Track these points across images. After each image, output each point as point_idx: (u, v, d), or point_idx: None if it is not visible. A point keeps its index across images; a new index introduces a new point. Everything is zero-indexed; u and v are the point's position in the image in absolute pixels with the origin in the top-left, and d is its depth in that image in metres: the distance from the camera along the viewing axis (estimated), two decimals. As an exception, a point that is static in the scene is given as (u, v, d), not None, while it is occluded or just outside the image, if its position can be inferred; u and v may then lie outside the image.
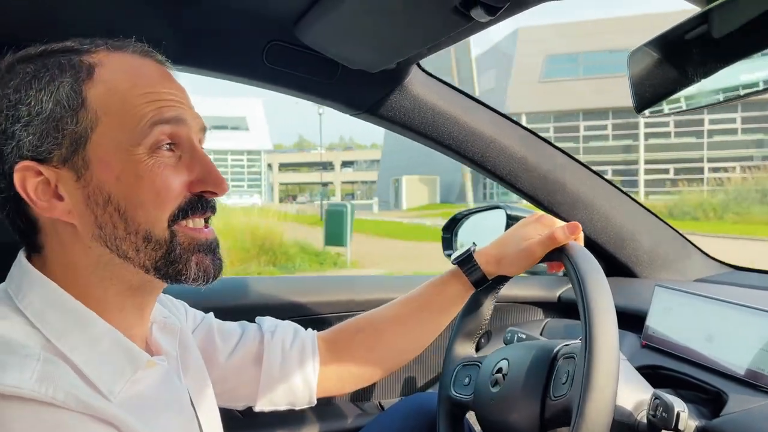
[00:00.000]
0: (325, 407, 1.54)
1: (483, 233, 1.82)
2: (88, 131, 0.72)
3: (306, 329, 1.15)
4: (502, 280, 1.14)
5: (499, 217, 1.75)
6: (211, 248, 0.79)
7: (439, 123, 1.41)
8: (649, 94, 0.84)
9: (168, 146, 0.75)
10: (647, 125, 32.54)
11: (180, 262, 0.76)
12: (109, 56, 0.76)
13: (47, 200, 0.72)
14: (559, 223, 1.07)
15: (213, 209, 0.80)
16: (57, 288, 0.73)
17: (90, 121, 0.72)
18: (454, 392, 1.16)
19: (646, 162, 34.40)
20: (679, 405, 0.91)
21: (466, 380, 1.15)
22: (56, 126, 0.72)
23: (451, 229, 1.84)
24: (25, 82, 0.72)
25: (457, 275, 1.13)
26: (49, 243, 0.75)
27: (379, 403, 1.58)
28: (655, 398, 0.94)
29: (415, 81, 1.36)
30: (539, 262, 1.07)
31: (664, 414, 0.91)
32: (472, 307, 1.15)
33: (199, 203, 0.77)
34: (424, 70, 1.38)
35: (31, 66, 0.74)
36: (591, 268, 0.94)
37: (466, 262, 1.11)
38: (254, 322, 1.14)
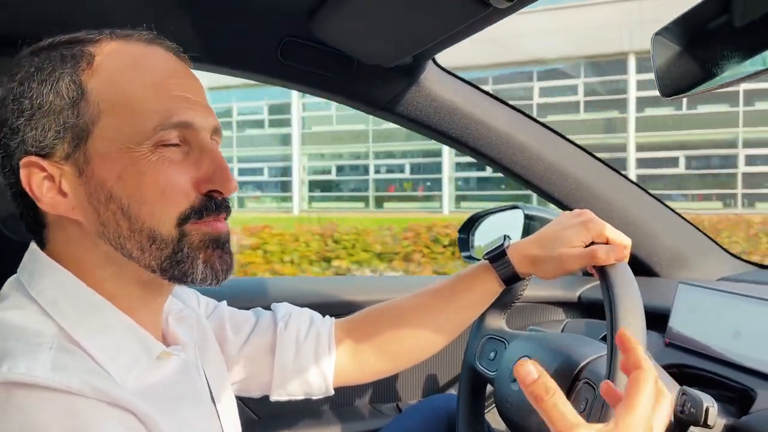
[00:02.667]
0: (342, 408, 1.53)
1: (500, 234, 1.80)
2: (89, 125, 0.70)
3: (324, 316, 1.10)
4: None
5: (517, 217, 1.73)
6: (220, 242, 0.75)
7: (455, 120, 1.40)
8: (673, 80, 0.81)
9: (176, 142, 0.72)
10: (641, 85, 18.02)
11: (186, 262, 0.72)
12: (111, 44, 0.73)
13: (52, 196, 0.71)
14: (608, 230, 0.96)
15: (227, 210, 0.76)
16: (69, 275, 0.72)
17: (91, 114, 0.70)
18: (478, 364, 1.17)
19: (640, 147, 18.47)
20: (707, 400, 0.89)
21: (492, 354, 1.15)
22: (57, 119, 0.70)
23: (467, 229, 1.82)
24: (29, 75, 0.71)
25: (488, 270, 1.05)
26: (57, 238, 0.74)
27: (397, 404, 1.57)
28: (683, 394, 0.92)
29: (430, 77, 1.35)
30: None
31: (692, 409, 0.89)
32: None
33: (212, 203, 0.73)
34: (439, 66, 1.36)
35: (37, 58, 0.72)
36: (629, 300, 0.86)
37: (499, 257, 1.03)
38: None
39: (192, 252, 0.73)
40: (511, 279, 1.04)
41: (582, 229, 0.97)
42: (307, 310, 1.09)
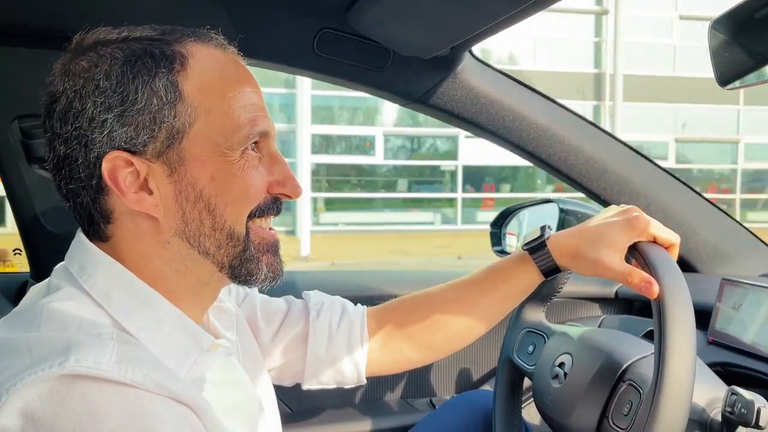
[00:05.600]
0: (375, 403, 1.52)
1: (534, 229, 1.78)
2: (186, 127, 0.71)
3: (356, 304, 1.09)
4: None
5: (551, 211, 1.70)
6: (277, 249, 0.81)
7: (492, 112, 1.38)
8: (727, 68, 0.80)
9: (252, 146, 0.76)
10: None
11: (252, 262, 0.76)
12: (197, 48, 0.75)
13: (135, 192, 0.71)
14: (654, 228, 0.93)
15: (281, 211, 0.81)
16: (122, 268, 0.72)
17: (188, 116, 0.71)
18: (517, 357, 1.14)
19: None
20: (759, 401, 0.86)
21: (531, 348, 1.13)
22: (153, 118, 0.70)
23: (500, 224, 1.80)
24: (116, 69, 0.70)
25: (527, 262, 1.01)
26: (122, 234, 0.74)
27: (431, 400, 1.55)
28: (732, 394, 0.89)
29: (467, 68, 1.33)
30: None
31: (743, 410, 0.86)
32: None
33: (275, 205, 0.78)
34: (476, 57, 1.34)
35: (119, 52, 0.71)
36: (679, 300, 0.84)
37: (539, 248, 0.99)
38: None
39: (257, 253, 0.77)
40: (551, 271, 1.01)
41: (626, 227, 0.93)
42: (338, 298, 1.09)
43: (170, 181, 0.72)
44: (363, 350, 1.04)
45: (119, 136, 0.70)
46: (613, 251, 0.93)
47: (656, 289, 0.88)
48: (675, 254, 0.92)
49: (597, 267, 0.94)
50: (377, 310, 1.09)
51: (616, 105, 16.68)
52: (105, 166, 0.70)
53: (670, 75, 16.56)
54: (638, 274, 0.90)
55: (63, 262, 0.76)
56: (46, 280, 0.77)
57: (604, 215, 0.99)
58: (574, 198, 1.66)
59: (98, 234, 0.74)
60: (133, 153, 0.70)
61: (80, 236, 0.76)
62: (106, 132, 0.70)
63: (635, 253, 0.93)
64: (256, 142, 0.76)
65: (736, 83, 0.78)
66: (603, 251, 0.93)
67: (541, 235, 1.00)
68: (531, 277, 1.03)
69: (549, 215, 1.72)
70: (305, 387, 1.05)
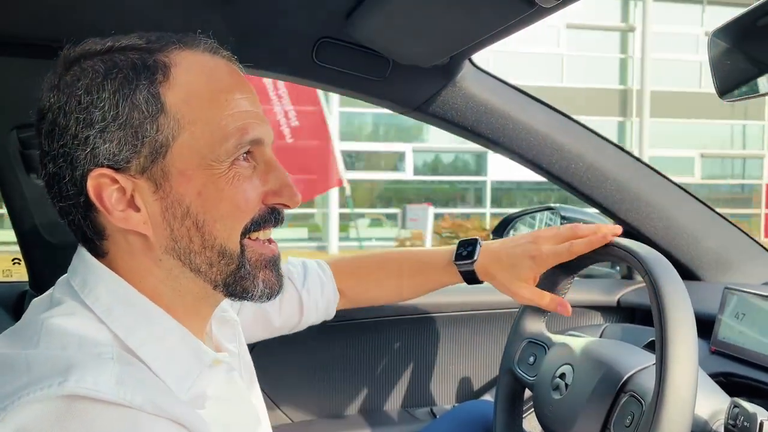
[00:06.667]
0: (376, 412, 1.52)
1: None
2: (169, 140, 0.68)
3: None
4: (585, 260, 1.06)
5: (552, 219, 1.70)
6: (276, 264, 0.78)
7: (491, 120, 1.37)
8: (727, 77, 0.79)
9: (244, 156, 0.73)
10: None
11: (248, 279, 0.74)
12: (182, 55, 0.71)
13: (122, 209, 0.69)
14: (556, 257, 1.04)
15: (282, 221, 0.78)
16: (124, 283, 0.71)
17: (171, 129, 0.69)
18: (517, 369, 1.14)
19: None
20: (762, 413, 0.85)
21: (531, 359, 1.13)
22: (135, 133, 0.68)
23: (500, 231, 1.79)
24: (97, 83, 0.68)
25: (453, 265, 1.13)
26: (117, 250, 0.72)
27: (431, 409, 1.54)
28: (735, 406, 0.88)
29: (467, 76, 1.32)
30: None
31: (745, 423, 0.85)
32: (548, 281, 1.10)
33: (272, 215, 0.75)
34: (476, 66, 1.34)
35: (101, 64, 0.69)
36: (680, 310, 0.84)
37: (468, 257, 1.11)
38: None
39: (253, 270, 0.74)
40: (472, 281, 1.13)
41: (533, 263, 1.06)
42: (305, 262, 1.19)
43: (156, 198, 0.69)
44: (335, 298, 1.19)
45: (102, 153, 0.68)
46: (523, 282, 1.07)
47: (570, 308, 1.05)
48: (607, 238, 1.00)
49: (509, 293, 1.09)
50: (336, 264, 1.22)
51: (643, 121, 16.80)
52: (90, 183, 0.68)
53: (696, 91, 16.69)
54: (549, 297, 1.05)
55: (66, 275, 0.75)
56: (48, 292, 0.76)
57: (515, 241, 1.10)
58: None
59: (95, 250, 0.73)
60: (117, 170, 0.68)
61: (82, 250, 0.75)
62: (89, 149, 0.68)
63: (636, 264, 0.93)
64: (249, 151, 0.73)
65: (735, 93, 0.78)
66: (514, 283, 1.07)
67: (473, 248, 1.11)
68: (451, 279, 1.16)
69: (550, 223, 1.71)
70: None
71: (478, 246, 1.11)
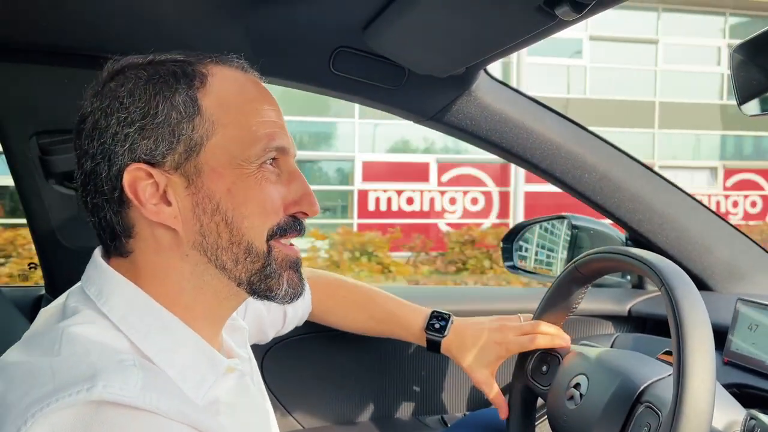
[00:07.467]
0: (387, 421, 1.52)
1: (546, 244, 1.77)
2: (203, 139, 0.73)
3: None
4: (600, 270, 1.08)
5: (563, 227, 1.70)
6: (299, 266, 0.81)
7: (506, 130, 1.38)
8: (747, 86, 0.81)
9: (271, 161, 0.77)
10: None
11: (274, 278, 0.77)
12: (217, 68, 0.77)
13: (155, 203, 0.72)
14: (513, 345, 1.17)
15: (304, 230, 0.81)
16: (140, 291, 0.73)
17: (206, 129, 0.73)
18: (531, 378, 1.15)
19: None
20: None
21: (544, 368, 1.14)
22: (172, 131, 0.72)
23: (511, 239, 1.80)
24: (139, 87, 0.73)
25: (422, 330, 1.24)
26: (142, 248, 0.75)
27: (442, 417, 1.55)
28: (751, 418, 0.89)
29: (482, 86, 1.33)
30: None
31: (762, 435, 0.85)
32: (560, 292, 1.10)
33: (295, 224, 0.79)
34: (491, 76, 1.35)
35: (144, 72, 0.74)
36: (697, 322, 0.85)
37: (439, 330, 1.22)
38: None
39: (278, 269, 0.77)
40: (433, 351, 1.24)
41: (497, 349, 1.18)
42: None
43: (188, 193, 0.73)
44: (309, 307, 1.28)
45: (139, 149, 0.72)
46: (484, 370, 1.18)
47: (505, 404, 1.19)
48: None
49: (467, 371, 1.21)
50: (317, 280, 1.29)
51: (666, 132, 16.83)
52: (126, 177, 0.72)
53: (717, 102, 16.72)
54: (496, 392, 1.18)
55: (78, 284, 0.77)
56: (57, 302, 0.78)
57: (480, 330, 1.21)
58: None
59: (119, 249, 0.75)
60: (153, 165, 0.72)
61: (97, 258, 0.77)
62: (128, 145, 0.72)
63: (652, 275, 0.93)
64: (275, 158, 0.77)
65: (753, 106, 0.79)
66: (478, 371, 1.19)
67: (447, 320, 1.23)
68: (414, 340, 1.27)
69: (561, 231, 1.72)
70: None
71: (450, 323, 1.23)
